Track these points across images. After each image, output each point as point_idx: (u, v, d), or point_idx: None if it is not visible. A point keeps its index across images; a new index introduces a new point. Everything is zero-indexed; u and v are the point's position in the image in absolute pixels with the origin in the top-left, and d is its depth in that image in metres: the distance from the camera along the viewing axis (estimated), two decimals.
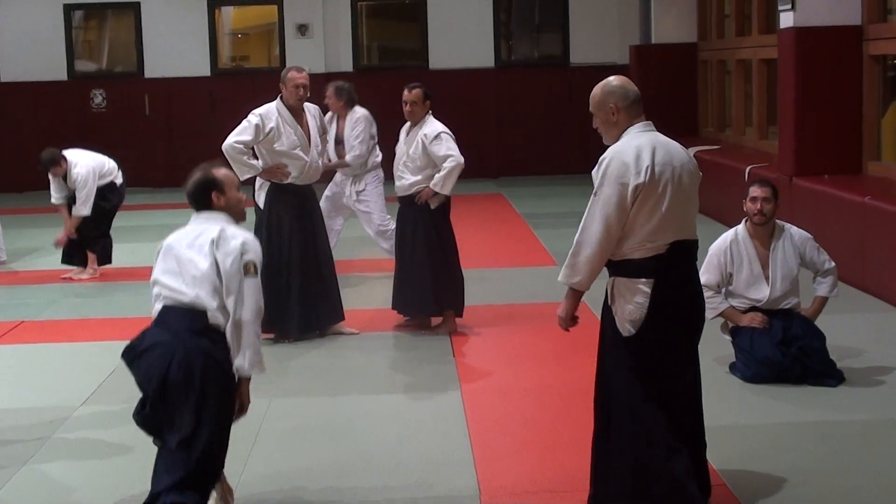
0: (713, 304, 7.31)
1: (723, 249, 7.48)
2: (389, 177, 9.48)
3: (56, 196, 11.39)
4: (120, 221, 11.86)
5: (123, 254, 11.90)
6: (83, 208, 11.21)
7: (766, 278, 7.45)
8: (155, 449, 5.18)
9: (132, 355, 5.18)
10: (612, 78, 5.30)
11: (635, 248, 5.10)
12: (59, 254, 11.52)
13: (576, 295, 5.22)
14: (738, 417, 6.72)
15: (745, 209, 7.50)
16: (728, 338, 7.60)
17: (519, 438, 6.55)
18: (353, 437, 6.67)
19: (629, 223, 5.06)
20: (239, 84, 18.45)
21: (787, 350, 7.30)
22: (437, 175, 8.72)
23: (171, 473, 5.01)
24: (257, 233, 8.52)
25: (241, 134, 8.60)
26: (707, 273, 7.40)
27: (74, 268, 11.54)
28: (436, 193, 8.76)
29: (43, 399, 7.56)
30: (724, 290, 7.52)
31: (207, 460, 5.07)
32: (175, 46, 19.09)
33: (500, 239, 13.43)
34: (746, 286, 7.48)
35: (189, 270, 5.11)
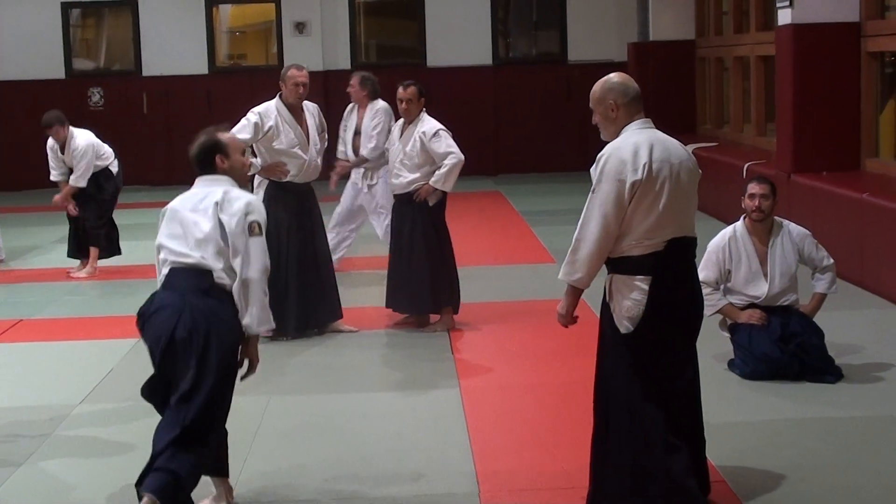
0: (712, 301, 7.31)
1: (721, 246, 7.48)
2: None
3: (55, 173, 11.50)
4: (118, 219, 11.86)
5: (122, 252, 11.89)
6: (80, 180, 11.30)
7: (765, 275, 7.46)
8: None
9: (143, 321, 5.25)
10: (613, 74, 5.31)
11: (633, 246, 5.10)
12: (58, 252, 11.54)
13: (576, 292, 5.22)
14: (737, 414, 6.72)
15: (743, 206, 7.50)
16: (726, 335, 7.60)
17: (518, 436, 6.55)
18: (352, 434, 6.67)
19: (627, 220, 5.06)
20: (237, 82, 18.46)
21: (785, 347, 7.30)
22: (437, 172, 8.72)
23: (168, 431, 5.08)
24: None
25: (239, 132, 8.58)
26: (705, 270, 7.40)
27: (79, 262, 11.59)
28: (434, 190, 8.77)
29: (42, 397, 7.55)
30: (722, 286, 7.52)
31: (205, 417, 5.11)
32: (173, 45, 19.10)
33: (499, 236, 13.43)
34: (745, 283, 7.48)
35: (193, 233, 5.19)
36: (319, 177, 9.10)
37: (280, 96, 8.81)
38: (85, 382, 7.77)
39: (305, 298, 8.76)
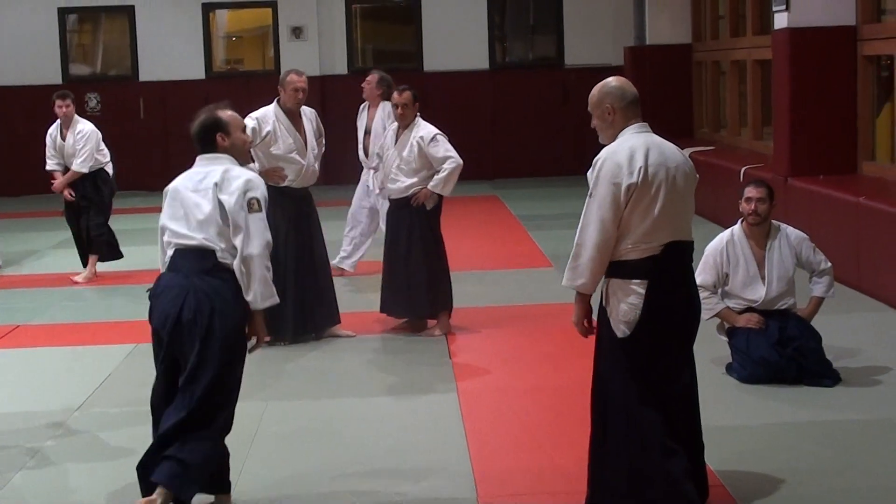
0: (709, 305, 7.32)
1: (719, 250, 7.49)
2: None
3: (51, 162, 11.48)
4: (114, 225, 11.86)
5: (123, 255, 11.86)
6: (83, 165, 11.29)
7: (762, 279, 7.46)
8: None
9: (150, 303, 5.32)
10: (611, 78, 5.32)
11: (630, 250, 5.11)
12: (56, 257, 11.53)
13: (583, 299, 5.23)
14: (735, 418, 6.73)
15: (740, 210, 7.51)
16: (724, 338, 7.60)
17: (515, 439, 6.55)
18: (351, 439, 6.67)
19: (623, 224, 5.07)
20: (233, 87, 18.42)
21: (783, 350, 7.31)
22: (437, 176, 8.72)
23: (175, 414, 5.14)
24: None
25: None
26: (703, 273, 7.40)
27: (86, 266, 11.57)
28: (432, 194, 8.77)
29: (40, 403, 7.54)
30: (720, 290, 7.53)
31: (211, 397, 5.17)
32: (169, 49, 19.09)
33: (496, 241, 13.43)
34: (742, 287, 7.48)
35: (195, 214, 5.24)
36: (317, 182, 9.10)
37: (278, 101, 8.82)
38: (83, 388, 7.77)
39: (303, 303, 8.76)
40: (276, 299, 5.31)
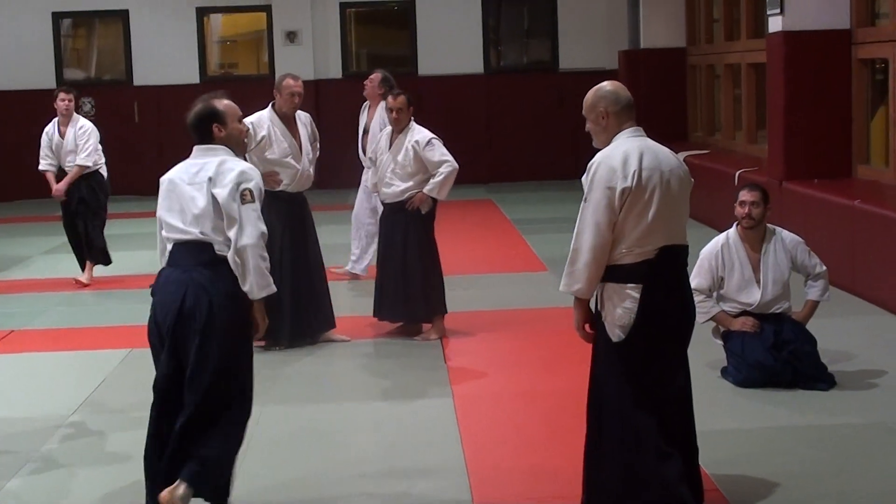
0: (704, 309, 7.32)
1: (714, 253, 7.49)
2: None
3: (44, 162, 11.42)
4: (108, 230, 11.84)
5: (113, 262, 11.86)
6: (87, 160, 11.27)
7: (758, 282, 7.46)
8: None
9: (154, 301, 5.33)
10: (606, 83, 5.32)
11: (625, 254, 5.11)
12: (49, 262, 11.51)
13: (582, 304, 5.24)
14: (730, 422, 6.73)
15: (735, 213, 7.51)
16: (719, 342, 7.60)
17: (511, 444, 6.54)
18: (345, 444, 6.66)
19: (618, 228, 5.07)
20: (228, 91, 18.40)
21: (778, 354, 7.31)
22: (432, 180, 8.72)
23: (183, 413, 5.16)
24: None
25: None
26: (698, 277, 7.41)
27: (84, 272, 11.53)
28: (427, 198, 8.76)
29: (35, 408, 7.53)
30: (715, 294, 7.53)
31: (217, 389, 5.18)
32: (164, 54, 19.09)
33: (491, 245, 13.43)
34: (738, 290, 7.48)
35: (190, 208, 5.26)
36: (313, 186, 9.10)
37: (273, 106, 8.81)
38: (78, 392, 7.76)
39: (299, 308, 8.75)
40: (273, 288, 5.31)
